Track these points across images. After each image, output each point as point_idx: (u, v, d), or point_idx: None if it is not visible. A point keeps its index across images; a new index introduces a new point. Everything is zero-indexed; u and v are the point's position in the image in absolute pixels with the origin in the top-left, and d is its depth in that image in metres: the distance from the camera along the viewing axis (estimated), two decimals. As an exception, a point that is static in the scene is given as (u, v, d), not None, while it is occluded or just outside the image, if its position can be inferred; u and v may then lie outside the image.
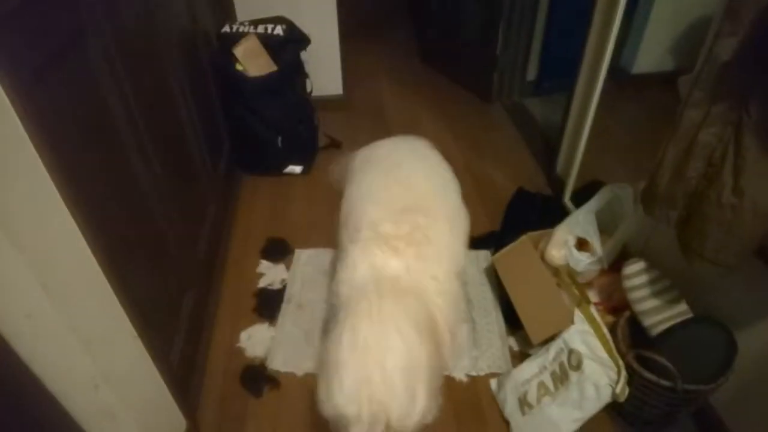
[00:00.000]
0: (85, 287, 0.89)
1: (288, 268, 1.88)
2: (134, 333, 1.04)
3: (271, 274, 1.84)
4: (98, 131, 1.05)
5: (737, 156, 0.94)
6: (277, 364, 1.54)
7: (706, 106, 0.98)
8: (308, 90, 2.35)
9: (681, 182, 1.05)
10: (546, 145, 2.41)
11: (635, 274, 1.37)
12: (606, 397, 1.30)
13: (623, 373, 1.28)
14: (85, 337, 0.87)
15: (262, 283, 1.81)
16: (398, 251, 1.05)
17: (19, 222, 0.73)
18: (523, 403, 1.40)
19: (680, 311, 1.32)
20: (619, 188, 1.61)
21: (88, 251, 0.87)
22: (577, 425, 1.33)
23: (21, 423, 0.85)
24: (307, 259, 1.91)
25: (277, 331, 1.64)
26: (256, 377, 1.51)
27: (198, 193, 1.76)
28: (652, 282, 1.35)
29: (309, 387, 1.48)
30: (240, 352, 1.59)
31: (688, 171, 1.03)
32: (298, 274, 1.85)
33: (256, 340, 1.61)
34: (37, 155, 0.75)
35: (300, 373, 1.52)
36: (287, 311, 1.71)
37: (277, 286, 1.80)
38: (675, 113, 1.04)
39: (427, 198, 1.21)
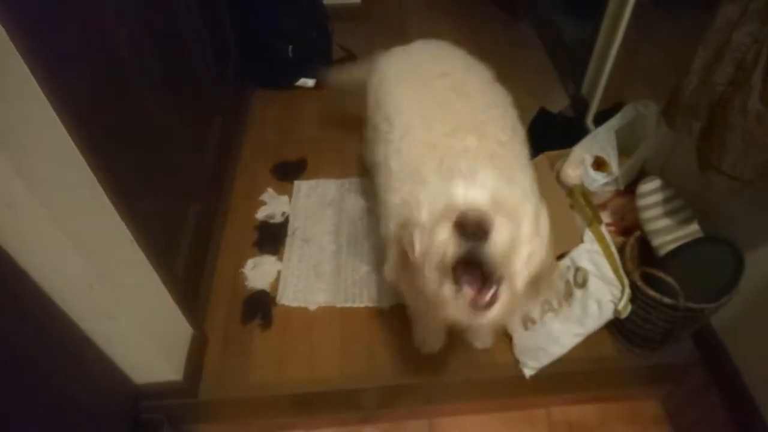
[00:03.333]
0: (69, 180, 0.87)
1: (291, 198, 1.83)
2: (130, 237, 1.04)
3: (273, 204, 1.79)
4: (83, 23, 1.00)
5: (771, 57, 0.86)
6: (288, 299, 1.54)
7: (744, 2, 0.88)
8: (322, -6, 2.23)
9: (707, 89, 0.98)
10: (572, 65, 2.27)
11: (649, 192, 1.32)
12: (608, 314, 1.29)
13: (627, 290, 1.27)
14: (72, 233, 0.85)
15: (262, 214, 1.76)
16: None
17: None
18: (527, 319, 1.41)
19: (691, 231, 1.28)
20: (642, 106, 1.53)
21: (70, 142, 0.85)
22: (577, 340, 1.34)
23: (18, 320, 0.88)
24: (309, 191, 1.86)
25: (284, 266, 1.62)
26: (263, 306, 1.51)
27: (201, 99, 1.71)
28: (665, 201, 1.31)
29: (323, 319, 1.49)
30: (244, 279, 1.58)
31: (716, 76, 0.95)
32: (301, 206, 1.80)
33: (261, 271, 1.60)
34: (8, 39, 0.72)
35: (313, 307, 1.51)
36: (292, 246, 1.68)
37: (278, 219, 1.75)
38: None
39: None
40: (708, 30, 0.95)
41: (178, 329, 1.30)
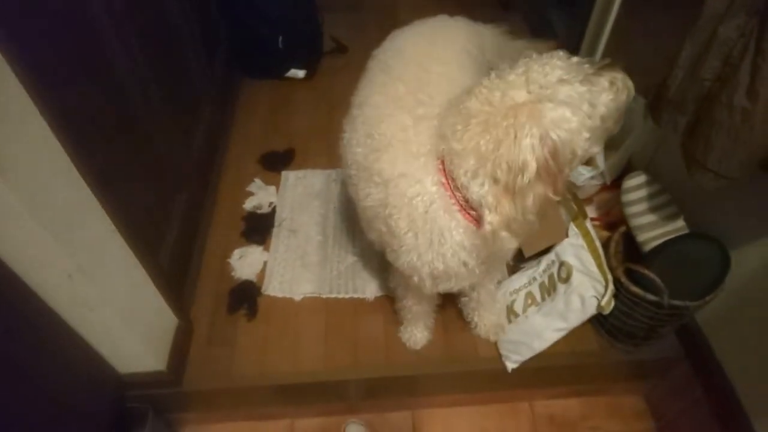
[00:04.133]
0: (44, 168, 0.85)
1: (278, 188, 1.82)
2: (112, 227, 1.02)
3: (260, 195, 1.78)
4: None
5: (758, 52, 0.85)
6: (273, 289, 1.53)
7: (731, -5, 0.88)
8: (312, -16, 2.21)
9: (694, 84, 0.98)
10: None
11: (635, 187, 1.32)
12: (591, 309, 1.29)
13: (610, 286, 1.27)
14: (48, 222, 0.84)
15: (250, 205, 1.75)
16: None
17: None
18: (510, 312, 1.41)
19: (676, 227, 1.29)
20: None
21: (46, 127, 0.83)
22: (559, 335, 1.34)
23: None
24: (296, 181, 1.84)
25: (270, 256, 1.61)
26: (249, 297, 1.50)
27: (189, 88, 1.70)
28: (651, 197, 1.31)
29: (308, 310, 1.49)
30: (231, 270, 1.57)
31: (702, 71, 0.94)
32: (288, 197, 1.79)
33: (248, 261, 1.59)
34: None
35: (298, 297, 1.51)
36: (279, 236, 1.67)
37: (265, 209, 1.74)
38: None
39: None
40: (694, 23, 0.94)
41: (163, 319, 1.29)
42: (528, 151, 0.75)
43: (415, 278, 1.03)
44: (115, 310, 1.05)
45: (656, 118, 1.08)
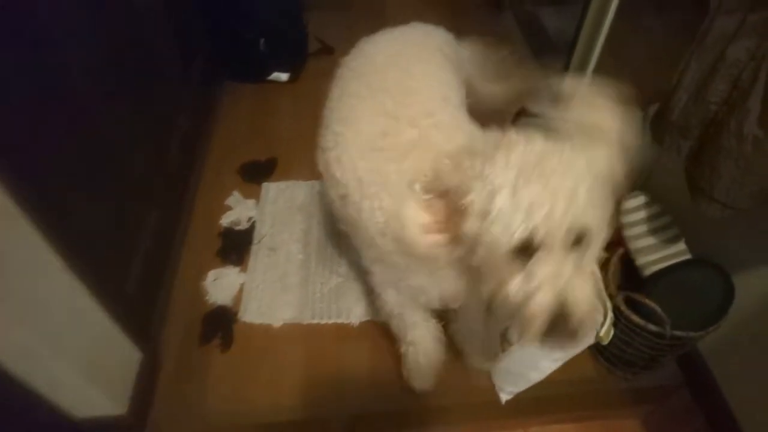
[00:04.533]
0: None
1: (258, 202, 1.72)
2: (60, 264, 0.93)
3: (239, 209, 1.68)
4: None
5: (771, 77, 0.77)
6: (251, 315, 1.43)
7: (742, 13, 0.79)
8: (296, -18, 2.10)
9: (699, 107, 0.89)
10: (555, 59, 2.18)
11: (635, 209, 1.24)
12: (589, 339, 1.21)
13: (610, 315, 1.19)
14: None
15: (227, 221, 1.65)
16: None
17: None
18: (503, 340, 1.33)
19: (677, 251, 1.21)
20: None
21: None
22: (557, 365, 1.26)
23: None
24: (277, 194, 1.74)
25: (248, 278, 1.51)
26: (223, 324, 1.41)
27: (163, 96, 1.59)
28: (651, 218, 1.23)
29: (288, 338, 1.39)
30: (205, 294, 1.47)
31: (709, 94, 0.86)
32: (268, 211, 1.69)
33: (223, 284, 1.49)
34: None
35: (277, 323, 1.42)
36: (258, 255, 1.57)
37: (243, 225, 1.64)
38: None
39: None
40: (701, 42, 0.85)
41: (123, 356, 1.19)
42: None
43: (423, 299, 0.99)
44: (65, 353, 0.97)
45: (658, 140, 1.00)
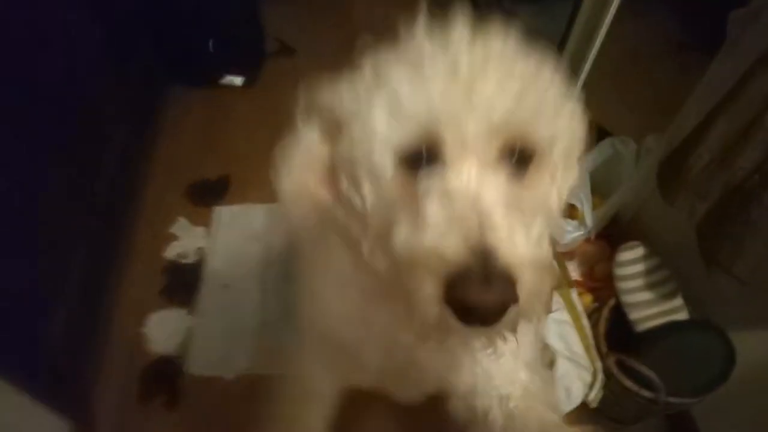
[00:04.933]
0: None
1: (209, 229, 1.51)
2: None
3: (186, 239, 1.48)
4: None
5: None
6: (199, 366, 1.25)
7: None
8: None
9: (723, 170, 0.78)
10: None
11: (630, 261, 1.13)
12: (577, 401, 1.12)
13: (599, 376, 1.10)
14: None
15: (172, 253, 1.44)
16: None
17: None
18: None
19: (674, 307, 1.11)
20: (620, 143, 1.32)
21: None
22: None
23: None
24: (231, 220, 1.55)
25: (196, 321, 1.33)
26: (167, 378, 1.23)
27: (89, 113, 1.36)
28: (647, 272, 1.13)
29: (244, 393, 1.22)
30: (145, 342, 1.28)
31: (739, 160, 0.74)
32: (220, 241, 1.49)
33: (167, 329, 1.30)
34: None
35: (230, 375, 1.24)
36: (208, 293, 1.38)
37: (191, 258, 1.44)
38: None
39: None
40: (732, 99, 0.73)
41: (44, 430, 1.01)
42: None
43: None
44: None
45: (670, 199, 0.89)
